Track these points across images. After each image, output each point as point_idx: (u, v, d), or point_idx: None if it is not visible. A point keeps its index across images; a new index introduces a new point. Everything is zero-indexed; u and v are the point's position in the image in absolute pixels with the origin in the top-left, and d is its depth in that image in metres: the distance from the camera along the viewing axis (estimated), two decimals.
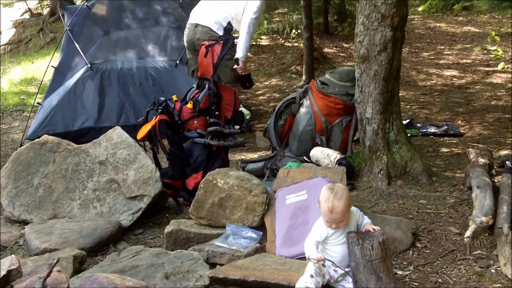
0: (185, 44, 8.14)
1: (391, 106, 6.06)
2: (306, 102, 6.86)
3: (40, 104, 9.14)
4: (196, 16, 7.96)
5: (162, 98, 6.30)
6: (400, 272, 4.19)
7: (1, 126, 9.43)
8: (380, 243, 3.61)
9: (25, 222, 5.22)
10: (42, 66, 10.26)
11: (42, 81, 10.47)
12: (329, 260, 3.78)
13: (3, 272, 3.54)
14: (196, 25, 7.86)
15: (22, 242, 4.92)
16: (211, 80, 6.32)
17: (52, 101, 8.81)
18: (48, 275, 3.36)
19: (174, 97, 6.39)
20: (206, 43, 6.55)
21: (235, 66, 7.83)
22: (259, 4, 7.70)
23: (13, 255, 3.69)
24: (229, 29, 7.10)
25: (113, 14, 10.07)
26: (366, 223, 3.90)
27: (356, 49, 6.01)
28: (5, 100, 11.26)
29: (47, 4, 26.82)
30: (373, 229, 3.79)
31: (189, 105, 6.23)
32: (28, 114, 9.72)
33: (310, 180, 4.94)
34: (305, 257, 3.89)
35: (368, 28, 5.83)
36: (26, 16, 26.85)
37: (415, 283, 4.04)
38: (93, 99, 8.78)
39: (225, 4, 7.82)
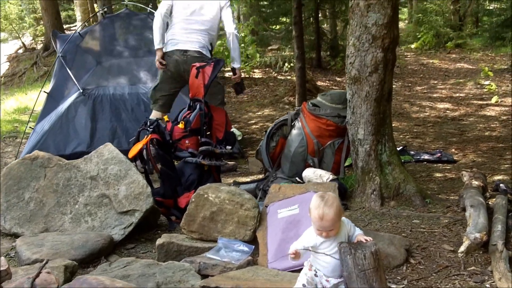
0: (169, 70, 7.73)
1: (383, 127, 6.07)
2: (297, 124, 6.87)
3: (32, 128, 9.15)
4: (182, 42, 7.66)
5: (153, 118, 6.33)
6: (393, 286, 4.16)
7: None
8: (373, 253, 3.59)
9: (16, 235, 5.21)
10: (35, 97, 10.31)
11: (33, 108, 10.52)
12: (319, 270, 3.77)
13: None
14: (186, 51, 7.61)
15: (13, 254, 4.91)
16: (202, 101, 6.35)
17: (44, 126, 8.81)
18: (37, 275, 3.35)
19: (166, 118, 6.43)
20: (197, 64, 6.58)
21: (233, 76, 7.98)
22: (231, 9, 7.82)
23: (2, 257, 3.67)
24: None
25: (105, 42, 10.13)
26: (358, 234, 3.86)
27: (348, 71, 6.03)
28: None
29: (41, 40, 27.02)
30: (365, 239, 3.77)
31: (181, 125, 6.25)
32: (21, 140, 9.71)
33: (302, 195, 4.94)
34: (297, 269, 3.87)
35: (359, 49, 5.86)
36: (20, 51, 27.04)
37: None
38: (85, 124, 8.79)
39: (204, 24, 7.68)
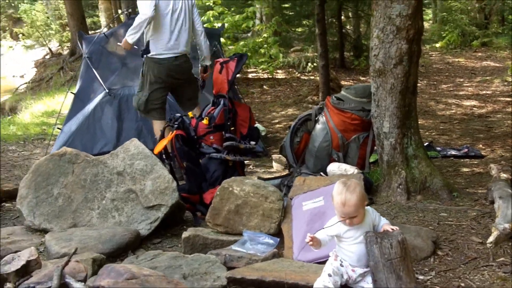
0: (162, 76, 7.46)
1: (409, 120, 6.02)
2: (322, 118, 6.85)
3: (60, 129, 9.23)
4: (172, 46, 7.40)
5: (178, 114, 6.35)
6: (421, 277, 4.13)
7: (23, 153, 9.48)
8: (399, 242, 3.57)
9: (45, 231, 5.25)
10: (62, 100, 10.46)
11: (60, 110, 10.62)
12: (345, 260, 3.76)
13: (23, 262, 3.57)
14: (177, 57, 7.43)
15: (42, 249, 4.93)
16: (226, 97, 6.37)
17: (71, 126, 8.89)
18: (67, 263, 3.39)
19: (190, 114, 6.45)
20: (221, 60, 6.61)
21: (204, 74, 7.83)
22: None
23: (32, 247, 3.72)
24: None
25: None
26: (384, 223, 3.86)
27: (372, 63, 5.99)
28: (26, 130, 11.37)
29: (67, 46, 27.29)
30: (392, 229, 3.76)
31: (205, 121, 6.28)
32: (48, 142, 9.79)
33: (326, 187, 4.92)
34: (323, 261, 3.87)
35: (383, 41, 5.83)
36: (47, 57, 27.36)
37: (436, 287, 3.98)
38: (112, 124, 8.85)
39: (187, 24, 7.49)
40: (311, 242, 3.67)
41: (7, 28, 42.82)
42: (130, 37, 7.26)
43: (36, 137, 11.01)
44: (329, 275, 3.62)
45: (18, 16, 36.91)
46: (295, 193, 5.09)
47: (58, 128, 9.55)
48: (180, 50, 7.40)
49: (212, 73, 6.86)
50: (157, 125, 7.45)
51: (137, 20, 7.18)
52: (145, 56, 7.42)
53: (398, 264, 3.53)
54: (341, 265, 3.74)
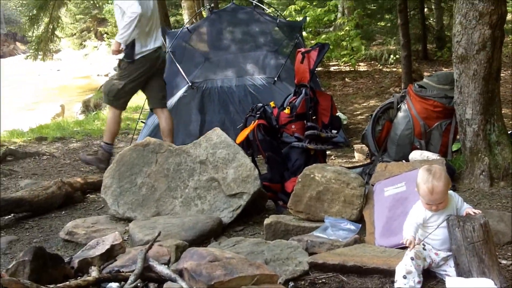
0: (146, 69, 7.82)
1: (492, 107, 5.91)
2: (404, 106, 6.79)
3: (144, 123, 9.42)
4: (153, 40, 7.83)
5: (260, 104, 6.41)
6: (504, 262, 4.06)
7: None
8: (482, 225, 3.54)
9: (129, 220, 5.36)
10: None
11: (143, 106, 10.83)
12: (428, 244, 3.75)
13: (107, 246, 3.67)
14: (157, 49, 7.89)
15: (126, 237, 5.03)
16: (308, 86, 6.38)
17: (155, 120, 9.05)
18: (150, 247, 3.46)
19: (272, 104, 6.49)
20: (302, 49, 6.63)
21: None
22: None
23: (116, 232, 3.82)
24: None
25: (212, 37, 10.34)
26: (467, 207, 3.83)
27: (454, 50, 5.91)
28: None
29: None
30: (474, 212, 3.73)
31: (287, 110, 6.32)
32: (132, 136, 10.01)
33: (408, 173, 4.89)
34: (405, 246, 3.86)
35: (466, 27, 5.74)
36: None
37: None
38: (195, 117, 9.01)
39: (158, 16, 8.09)
40: (412, 245, 3.66)
41: (91, 29, 43.83)
42: (122, 38, 7.49)
43: (121, 131, 11.25)
44: (412, 259, 3.61)
45: (103, 16, 37.70)
46: (377, 179, 5.08)
47: (142, 121, 9.75)
48: (159, 43, 7.97)
49: (294, 63, 6.88)
50: (116, 114, 8.01)
51: (126, 20, 7.34)
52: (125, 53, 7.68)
53: (481, 247, 3.49)
54: (424, 249, 3.73)
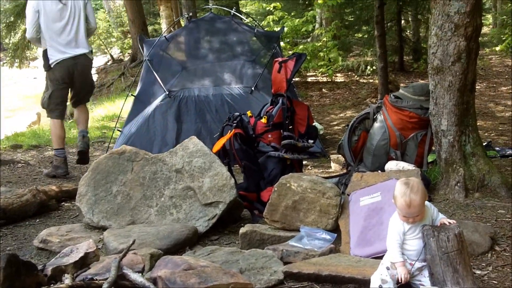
0: (59, 77, 8.14)
1: (467, 118, 5.97)
2: (380, 117, 6.82)
3: (120, 131, 9.39)
4: (72, 47, 8.15)
5: (237, 113, 6.41)
6: (478, 272, 4.10)
7: None
8: (456, 235, 3.55)
9: (104, 228, 5.32)
10: (123, 104, 10.74)
11: (120, 114, 10.84)
12: (403, 255, 3.75)
13: (81, 254, 3.65)
14: (75, 56, 8.15)
15: (101, 246, 5.01)
16: (285, 96, 6.39)
17: (131, 128, 9.05)
18: (124, 255, 3.45)
19: (249, 113, 6.49)
20: (280, 59, 6.64)
21: None
22: None
23: (90, 240, 3.80)
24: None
25: (190, 46, 10.33)
26: (442, 217, 3.85)
27: (430, 61, 5.97)
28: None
29: (128, 53, 27.71)
30: (449, 222, 3.74)
31: (263, 120, 6.31)
32: (108, 144, 9.97)
33: (384, 183, 4.93)
34: (380, 256, 3.86)
35: (441, 38, 5.80)
36: (109, 64, 27.83)
37: (494, 281, 3.95)
38: (171, 126, 8.98)
39: (78, 22, 8.22)
40: (405, 274, 3.65)
41: None
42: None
43: (96, 140, 11.23)
44: (387, 268, 3.62)
45: None
46: (353, 189, 5.10)
47: (118, 130, 9.73)
48: (81, 50, 8.30)
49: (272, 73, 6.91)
50: (56, 124, 8.30)
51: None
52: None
53: (455, 257, 3.51)
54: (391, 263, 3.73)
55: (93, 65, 9.01)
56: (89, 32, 8.52)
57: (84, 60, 8.28)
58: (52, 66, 8.03)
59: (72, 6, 8.06)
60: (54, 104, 8.18)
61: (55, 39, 8.02)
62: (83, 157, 8.29)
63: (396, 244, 3.72)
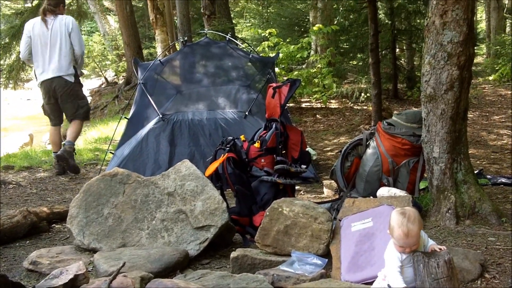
0: (44, 94, 9.41)
1: (459, 146, 6.01)
2: (372, 143, 6.85)
3: (113, 153, 9.39)
4: (50, 70, 9.17)
5: (230, 137, 6.42)
6: None
7: (75, 177, 9.65)
8: (446, 261, 3.57)
9: (94, 251, 5.30)
10: (116, 127, 10.74)
11: (113, 136, 10.85)
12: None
13: (70, 276, 3.64)
14: (53, 79, 9.18)
15: (91, 268, 4.98)
16: (279, 121, 6.42)
17: (124, 151, 9.03)
18: (114, 277, 3.44)
19: (242, 137, 6.51)
20: (274, 84, 6.69)
21: None
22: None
23: (80, 262, 3.79)
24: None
25: (185, 70, 10.35)
26: (432, 244, 3.86)
27: (423, 89, 6.02)
28: (80, 155, 11.55)
29: (123, 76, 27.75)
30: (439, 249, 3.76)
31: (257, 144, 6.33)
32: (100, 167, 9.95)
33: (375, 208, 4.94)
34: (370, 281, 3.87)
35: (434, 67, 5.85)
36: (103, 86, 27.88)
37: None
38: (164, 149, 8.95)
39: (60, 46, 9.15)
40: None
41: None
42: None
43: (89, 162, 11.20)
44: None
45: None
46: (345, 214, 5.10)
47: (111, 152, 9.72)
48: (58, 73, 9.26)
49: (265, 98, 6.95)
50: (53, 131, 9.87)
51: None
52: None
53: (445, 283, 3.53)
54: (389, 286, 3.73)
55: (83, 87, 9.80)
56: (76, 57, 9.30)
57: (61, 83, 9.14)
58: (38, 85, 9.19)
59: (55, 32, 9.03)
60: (47, 114, 9.66)
61: (38, 61, 9.09)
62: (61, 160, 9.44)
63: (397, 270, 3.73)
